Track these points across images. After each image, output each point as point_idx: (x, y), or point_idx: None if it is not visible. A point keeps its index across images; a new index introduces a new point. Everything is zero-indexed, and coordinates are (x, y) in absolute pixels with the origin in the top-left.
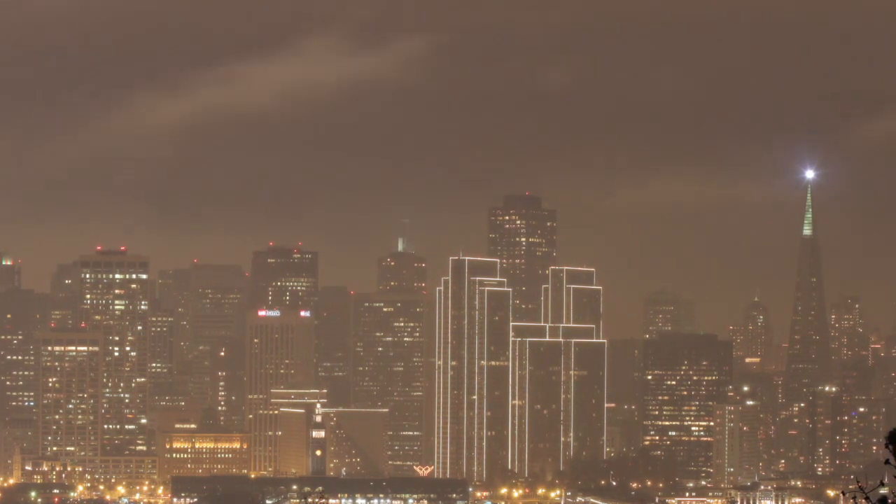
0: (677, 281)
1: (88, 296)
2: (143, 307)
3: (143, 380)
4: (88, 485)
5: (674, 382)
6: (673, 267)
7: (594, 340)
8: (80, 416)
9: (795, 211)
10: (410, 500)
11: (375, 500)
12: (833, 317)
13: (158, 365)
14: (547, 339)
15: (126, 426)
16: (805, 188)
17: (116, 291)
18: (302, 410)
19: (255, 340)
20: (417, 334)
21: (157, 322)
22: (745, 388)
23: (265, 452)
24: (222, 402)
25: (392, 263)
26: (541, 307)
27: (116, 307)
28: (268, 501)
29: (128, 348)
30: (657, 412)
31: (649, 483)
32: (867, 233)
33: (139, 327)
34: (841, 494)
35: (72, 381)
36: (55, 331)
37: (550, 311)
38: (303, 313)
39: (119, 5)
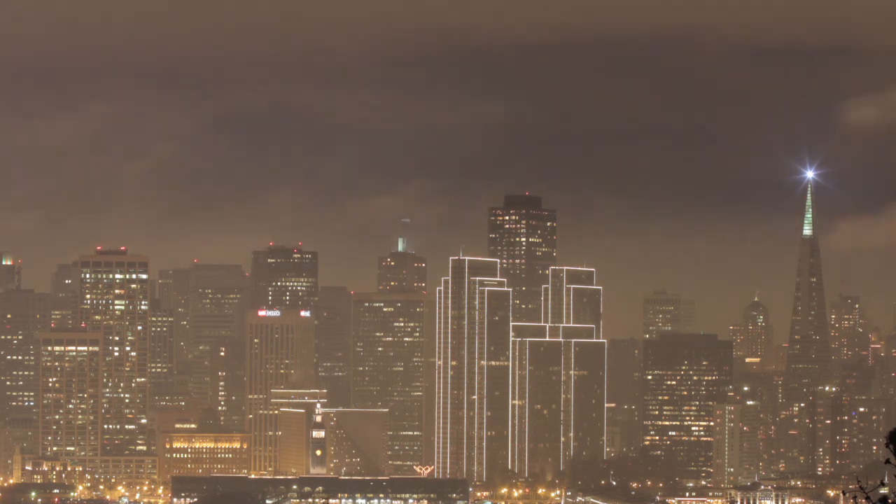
0: (677, 281)
1: (88, 296)
2: (143, 307)
3: (143, 380)
4: (88, 485)
5: (674, 382)
6: (673, 267)
7: (594, 340)
8: (80, 416)
9: (795, 211)
10: (410, 500)
11: (375, 500)
12: (833, 317)
13: (158, 365)
14: (547, 339)
15: (126, 426)
16: (805, 188)
17: (116, 291)
18: (302, 410)
19: (255, 340)
20: (417, 334)
21: (157, 322)
22: (745, 388)
23: (265, 452)
24: (222, 402)
25: (392, 263)
26: (541, 307)
27: (116, 307)
28: (268, 501)
29: (128, 348)
30: (657, 412)
31: (649, 483)
32: (867, 233)
33: (139, 327)
34: (841, 494)
35: (72, 381)
36: (55, 331)
37: (550, 311)
38: (303, 313)
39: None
